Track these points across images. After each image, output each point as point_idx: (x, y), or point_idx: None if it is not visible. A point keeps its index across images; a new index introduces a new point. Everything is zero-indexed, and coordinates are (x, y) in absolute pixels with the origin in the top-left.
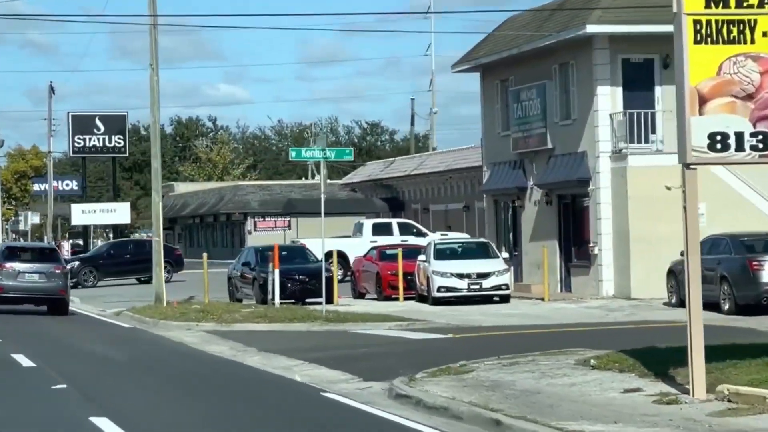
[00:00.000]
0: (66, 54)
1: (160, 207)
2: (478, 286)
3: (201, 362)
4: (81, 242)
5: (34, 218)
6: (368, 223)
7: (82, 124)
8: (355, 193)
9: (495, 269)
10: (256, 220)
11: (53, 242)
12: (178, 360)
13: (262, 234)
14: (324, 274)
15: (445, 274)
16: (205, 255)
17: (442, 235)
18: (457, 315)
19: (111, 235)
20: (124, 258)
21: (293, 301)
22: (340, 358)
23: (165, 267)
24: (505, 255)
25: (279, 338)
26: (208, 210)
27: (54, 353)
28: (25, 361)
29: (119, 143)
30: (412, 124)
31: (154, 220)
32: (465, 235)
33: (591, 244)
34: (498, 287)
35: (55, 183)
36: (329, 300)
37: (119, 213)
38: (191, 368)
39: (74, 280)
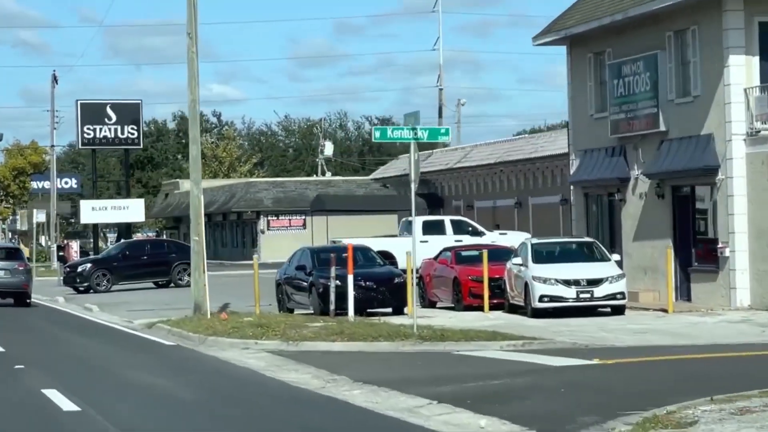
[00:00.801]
0: (61, 54)
1: (201, 201)
2: (588, 295)
3: (292, 401)
4: (76, 242)
5: (40, 216)
6: (418, 221)
7: (91, 113)
8: (387, 189)
9: (608, 274)
10: (269, 219)
11: (55, 243)
12: (259, 397)
13: (276, 234)
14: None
15: (548, 281)
16: (255, 257)
17: (500, 234)
18: (574, 331)
19: (110, 236)
20: (140, 260)
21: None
22: (475, 395)
23: (185, 270)
24: (617, 257)
25: (368, 362)
26: (217, 208)
27: (95, 386)
28: (62, 401)
29: (132, 134)
30: (440, 116)
31: (193, 217)
32: (526, 235)
33: (720, 245)
34: (612, 296)
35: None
36: (400, 310)
37: (132, 210)
38: (287, 414)
39: (86, 284)
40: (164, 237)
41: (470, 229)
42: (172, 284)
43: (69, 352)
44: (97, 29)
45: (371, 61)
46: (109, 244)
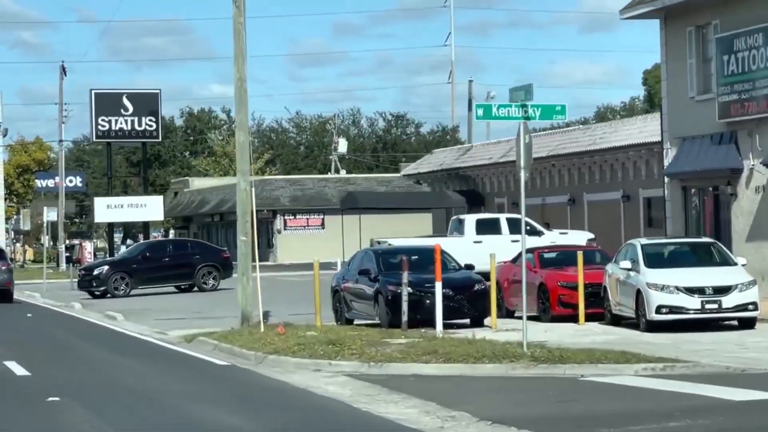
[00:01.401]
0: (60, 54)
1: (251, 194)
2: (715, 306)
3: None
4: (90, 243)
5: (52, 214)
6: (471, 219)
7: (107, 103)
8: (420, 186)
9: (737, 281)
10: (286, 218)
11: (63, 243)
12: None
13: (293, 234)
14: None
15: (667, 289)
16: (316, 260)
17: (560, 233)
18: (713, 350)
19: (115, 236)
20: (162, 262)
21: (419, 320)
22: None
23: (210, 273)
24: (743, 260)
25: (481, 391)
26: (232, 206)
27: (156, 430)
28: None
29: (151, 126)
30: (470, 109)
31: (240, 213)
32: (588, 234)
33: None
34: (743, 307)
35: (57, 179)
36: (479, 322)
37: (150, 208)
38: None
39: (103, 288)
40: (171, 237)
41: (528, 228)
42: (196, 288)
43: (106, 375)
44: (97, 29)
45: (388, 58)
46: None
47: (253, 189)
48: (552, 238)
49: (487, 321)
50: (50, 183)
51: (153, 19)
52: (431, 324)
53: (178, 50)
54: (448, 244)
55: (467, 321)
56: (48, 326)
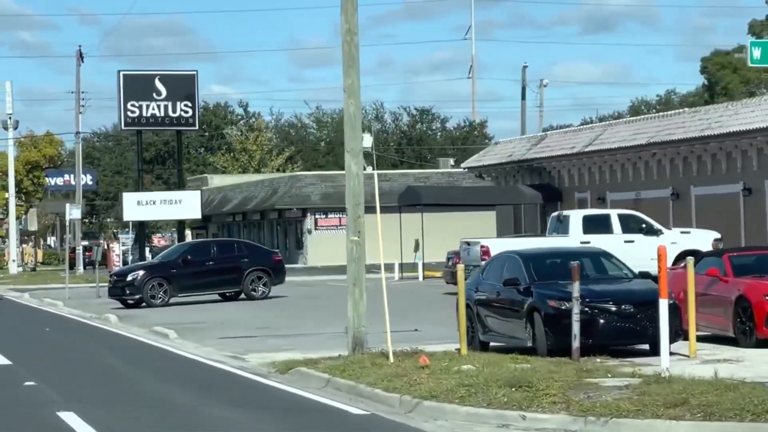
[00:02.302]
0: (60, 54)
1: (376, 183)
2: None
3: None
4: (118, 244)
5: (74, 212)
6: (576, 216)
7: (137, 87)
8: (484, 180)
9: None
10: (317, 217)
11: (78, 244)
12: None
13: (324, 234)
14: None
15: None
16: (460, 267)
17: (681, 232)
18: None
19: (122, 236)
20: (205, 266)
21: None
22: None
23: (261, 278)
24: None
25: None
26: (257, 205)
27: None
28: None
29: (186, 112)
30: (523, 98)
31: (350, 206)
32: (714, 234)
33: None
34: None
35: (67, 177)
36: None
37: (186, 205)
38: None
39: (137, 296)
40: (190, 238)
41: (644, 226)
42: (243, 296)
43: None
44: (97, 30)
45: (390, 57)
46: (121, 246)
47: (375, 174)
48: (673, 238)
49: (674, 347)
50: (59, 181)
51: (152, 12)
52: (604, 350)
53: (178, 50)
54: (551, 245)
55: (646, 346)
56: (90, 348)
